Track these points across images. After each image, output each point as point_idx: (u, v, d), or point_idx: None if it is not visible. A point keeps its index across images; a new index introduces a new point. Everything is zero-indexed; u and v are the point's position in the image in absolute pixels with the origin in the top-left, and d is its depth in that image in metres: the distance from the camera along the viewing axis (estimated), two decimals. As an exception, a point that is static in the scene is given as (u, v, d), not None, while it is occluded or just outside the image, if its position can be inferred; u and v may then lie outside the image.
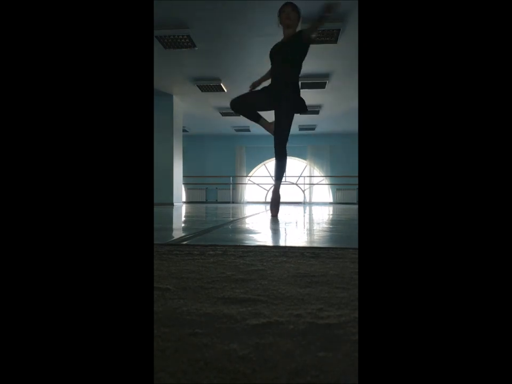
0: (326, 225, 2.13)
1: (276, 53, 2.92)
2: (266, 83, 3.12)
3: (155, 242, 1.31)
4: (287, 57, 2.87)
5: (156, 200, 7.20)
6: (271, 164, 11.49)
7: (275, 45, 2.98)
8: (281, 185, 3.02)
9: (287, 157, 2.97)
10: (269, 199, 11.06)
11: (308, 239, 1.45)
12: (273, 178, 3.03)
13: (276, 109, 2.90)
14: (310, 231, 1.77)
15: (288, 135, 2.89)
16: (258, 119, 3.03)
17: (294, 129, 10.28)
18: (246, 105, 2.94)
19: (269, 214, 3.48)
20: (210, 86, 6.52)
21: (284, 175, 3.13)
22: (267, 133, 11.04)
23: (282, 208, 5.43)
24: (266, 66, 5.41)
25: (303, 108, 2.91)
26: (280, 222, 2.39)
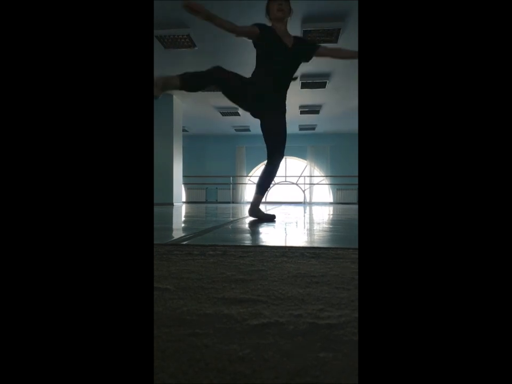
0: (326, 225, 2.13)
1: (276, 52, 2.41)
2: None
3: (155, 242, 1.31)
4: (292, 67, 2.48)
5: (155, 200, 7.19)
6: (271, 163, 11.44)
7: (272, 33, 2.40)
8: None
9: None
10: (269, 199, 11.06)
11: (308, 239, 1.45)
12: (256, 189, 2.56)
13: (263, 115, 2.51)
14: (310, 231, 1.77)
15: (285, 138, 2.54)
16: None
17: (294, 129, 10.28)
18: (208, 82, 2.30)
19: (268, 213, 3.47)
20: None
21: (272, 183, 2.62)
22: (267, 132, 10.92)
23: (282, 208, 5.43)
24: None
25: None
26: (279, 222, 2.39)
